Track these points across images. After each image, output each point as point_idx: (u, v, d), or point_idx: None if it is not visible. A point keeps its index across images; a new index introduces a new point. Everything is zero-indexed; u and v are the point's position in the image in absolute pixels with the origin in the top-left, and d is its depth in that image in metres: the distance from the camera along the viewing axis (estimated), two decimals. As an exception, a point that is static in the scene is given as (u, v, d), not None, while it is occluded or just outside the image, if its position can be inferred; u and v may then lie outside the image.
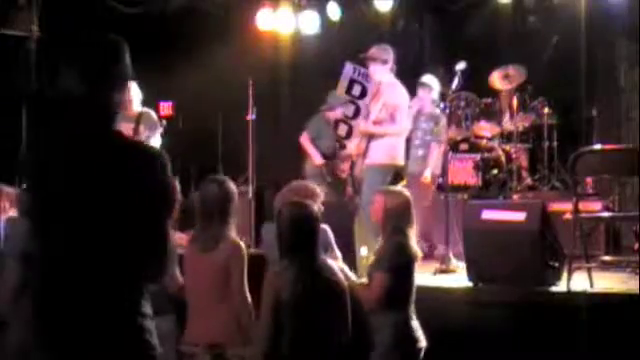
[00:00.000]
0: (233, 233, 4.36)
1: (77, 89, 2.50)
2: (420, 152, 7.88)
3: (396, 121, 6.85)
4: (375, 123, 6.88)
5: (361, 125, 6.92)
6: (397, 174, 7.76)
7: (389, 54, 7.04)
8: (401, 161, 6.99)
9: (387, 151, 6.81)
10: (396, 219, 4.48)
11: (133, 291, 2.49)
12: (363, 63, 10.23)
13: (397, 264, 4.38)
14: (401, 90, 6.96)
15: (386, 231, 4.52)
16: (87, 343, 2.44)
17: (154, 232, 2.46)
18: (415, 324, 4.41)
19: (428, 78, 8.09)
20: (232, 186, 4.43)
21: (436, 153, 7.80)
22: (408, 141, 7.98)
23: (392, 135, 6.85)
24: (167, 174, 2.48)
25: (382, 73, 7.00)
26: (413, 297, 4.45)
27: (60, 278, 2.46)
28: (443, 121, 7.79)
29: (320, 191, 4.93)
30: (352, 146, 7.18)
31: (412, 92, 9.18)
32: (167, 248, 2.50)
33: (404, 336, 4.36)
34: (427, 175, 7.69)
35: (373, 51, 7.05)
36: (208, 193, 4.35)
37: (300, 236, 3.97)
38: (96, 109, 2.50)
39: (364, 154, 6.92)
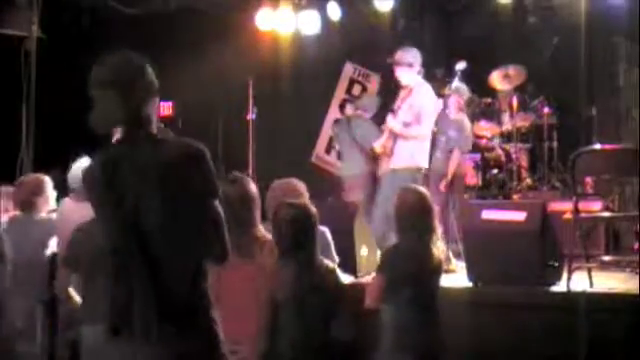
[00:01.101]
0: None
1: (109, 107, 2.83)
2: (442, 155, 7.72)
3: (422, 124, 6.78)
4: (403, 125, 6.79)
5: (389, 122, 6.82)
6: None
7: (414, 57, 6.95)
8: (425, 164, 6.86)
9: (412, 154, 6.69)
10: (413, 219, 4.35)
11: (198, 275, 2.73)
12: (363, 63, 10.27)
13: (396, 266, 4.27)
14: (429, 93, 6.90)
15: (399, 231, 4.40)
16: (162, 329, 2.64)
17: (210, 212, 2.75)
18: (420, 325, 4.26)
19: (458, 85, 8.00)
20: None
21: (456, 160, 7.68)
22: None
23: (417, 138, 6.74)
24: (207, 161, 2.78)
25: (409, 76, 6.91)
26: (425, 299, 4.30)
27: (136, 270, 2.66)
28: (468, 131, 7.78)
29: (305, 189, 4.90)
30: (377, 145, 7.09)
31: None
32: (225, 230, 2.79)
33: (407, 337, 4.31)
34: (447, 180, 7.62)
35: (398, 55, 6.97)
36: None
37: (299, 236, 3.97)
38: (136, 123, 2.80)
39: (389, 154, 6.90)
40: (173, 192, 2.70)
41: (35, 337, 5.27)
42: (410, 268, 4.27)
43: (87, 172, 2.86)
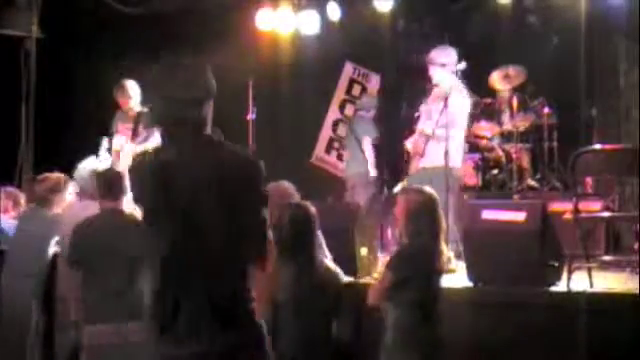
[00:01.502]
0: None
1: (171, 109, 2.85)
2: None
3: (456, 126, 6.79)
4: (437, 126, 6.80)
5: (423, 125, 6.82)
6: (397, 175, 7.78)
7: (448, 56, 6.94)
8: (458, 164, 6.95)
9: (444, 154, 6.68)
10: (419, 220, 4.34)
11: (245, 278, 2.81)
12: (363, 63, 10.27)
13: (406, 267, 4.26)
14: (464, 95, 6.88)
15: (409, 233, 4.37)
16: (209, 328, 2.73)
17: (259, 220, 2.84)
18: (422, 325, 4.28)
19: None
20: None
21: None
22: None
23: (452, 139, 6.75)
24: (261, 168, 2.87)
25: (442, 76, 6.89)
26: (429, 300, 4.31)
27: (187, 269, 2.74)
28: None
29: (295, 191, 4.89)
30: (408, 144, 7.11)
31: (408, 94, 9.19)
32: (267, 235, 2.89)
33: (409, 337, 4.30)
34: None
35: (432, 54, 6.98)
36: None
37: (299, 236, 3.97)
38: (192, 124, 2.84)
39: (421, 154, 6.86)
40: (229, 196, 2.76)
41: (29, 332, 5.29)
42: (419, 270, 4.29)
43: (137, 169, 2.88)
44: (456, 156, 6.85)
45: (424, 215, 4.34)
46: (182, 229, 2.74)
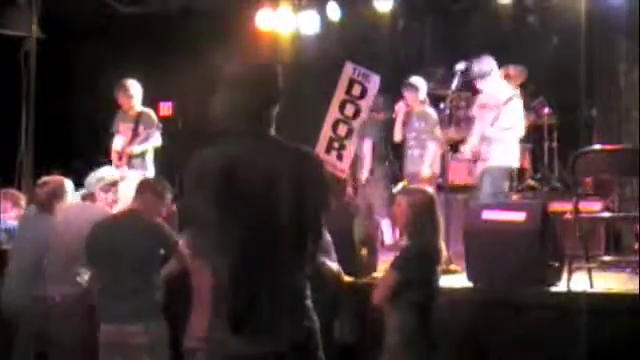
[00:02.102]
0: None
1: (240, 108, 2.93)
2: (416, 152, 7.93)
3: (518, 129, 7.16)
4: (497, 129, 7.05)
5: (487, 131, 7.03)
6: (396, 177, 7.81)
7: (489, 64, 7.15)
8: (516, 164, 7.29)
9: (504, 154, 7.04)
10: (421, 220, 4.38)
11: (304, 275, 2.88)
12: (363, 63, 10.26)
13: (410, 269, 4.29)
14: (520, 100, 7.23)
15: (410, 233, 4.42)
16: (281, 324, 2.78)
17: (319, 220, 2.92)
18: (423, 326, 4.31)
19: (415, 79, 8.15)
20: None
21: (433, 152, 7.87)
22: (403, 142, 8.03)
23: (512, 139, 7.10)
24: (325, 171, 3.00)
25: (492, 86, 7.16)
26: (429, 300, 4.35)
27: (259, 267, 2.77)
28: (433, 118, 7.87)
29: None
30: (467, 149, 7.28)
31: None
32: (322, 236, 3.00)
33: (411, 338, 4.30)
34: (425, 172, 7.73)
35: (475, 69, 7.16)
36: None
37: None
38: (259, 124, 2.91)
39: (483, 158, 7.05)
40: (296, 196, 2.82)
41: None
42: (423, 271, 4.33)
43: (200, 169, 2.86)
44: (513, 156, 7.14)
45: (426, 215, 4.38)
46: (257, 226, 2.78)
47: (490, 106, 7.12)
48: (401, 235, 4.58)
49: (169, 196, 4.95)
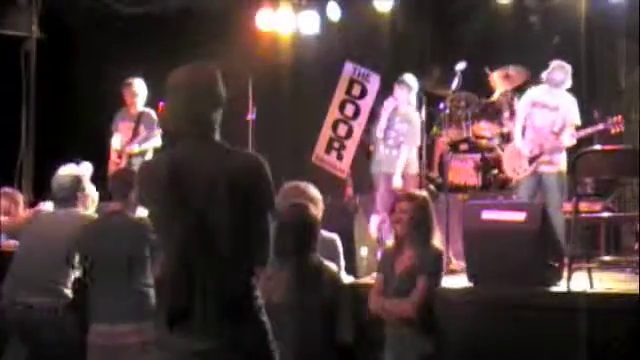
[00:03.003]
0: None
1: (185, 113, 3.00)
2: (394, 152, 7.78)
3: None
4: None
5: (566, 140, 7.21)
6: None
7: (567, 72, 7.27)
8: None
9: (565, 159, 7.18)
10: (426, 223, 4.45)
11: (251, 275, 2.96)
12: (363, 63, 10.26)
13: (439, 271, 4.42)
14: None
15: (418, 236, 4.44)
16: (219, 324, 2.85)
17: (264, 222, 2.99)
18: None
19: (408, 77, 7.98)
20: None
21: (404, 156, 7.69)
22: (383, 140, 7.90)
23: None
24: (267, 174, 3.01)
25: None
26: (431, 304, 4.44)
27: (199, 268, 2.83)
28: (417, 123, 7.69)
29: (313, 191, 4.83)
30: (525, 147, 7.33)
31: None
32: (270, 236, 3.04)
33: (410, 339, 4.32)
34: (397, 182, 7.60)
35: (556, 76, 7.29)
36: None
37: (297, 238, 3.95)
38: (202, 128, 2.99)
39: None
40: (238, 198, 2.89)
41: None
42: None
43: (148, 170, 3.03)
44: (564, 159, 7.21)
45: (430, 219, 4.45)
46: (197, 226, 2.84)
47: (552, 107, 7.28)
48: (398, 239, 4.53)
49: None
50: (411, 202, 4.49)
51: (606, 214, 7.23)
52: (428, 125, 9.05)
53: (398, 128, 7.81)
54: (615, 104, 8.90)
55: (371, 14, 9.48)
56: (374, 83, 9.46)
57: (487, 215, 5.80)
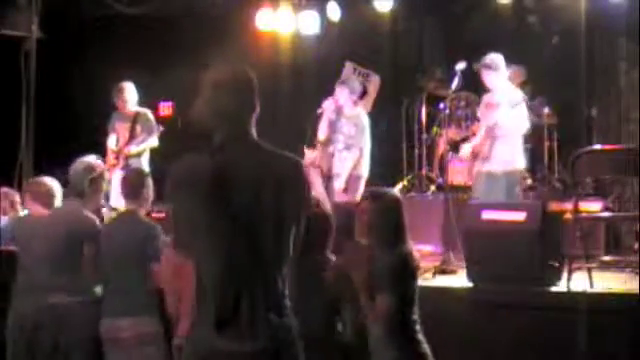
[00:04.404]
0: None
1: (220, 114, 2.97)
2: (344, 154, 7.77)
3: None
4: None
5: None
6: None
7: (500, 60, 7.16)
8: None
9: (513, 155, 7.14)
10: (388, 225, 4.06)
11: (284, 275, 2.93)
12: (363, 63, 10.27)
13: (403, 282, 3.99)
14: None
15: (384, 241, 4.05)
16: (265, 325, 2.84)
17: (300, 220, 2.97)
18: (420, 336, 4.10)
19: (348, 78, 7.98)
20: None
21: (352, 159, 7.67)
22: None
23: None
24: (308, 178, 3.06)
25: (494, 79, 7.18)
26: (416, 307, 4.12)
27: (245, 267, 2.83)
28: (364, 123, 7.66)
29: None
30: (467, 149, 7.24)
31: (408, 94, 9.14)
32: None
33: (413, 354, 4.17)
34: (339, 184, 7.58)
35: (486, 60, 7.13)
36: None
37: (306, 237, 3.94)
38: (244, 127, 2.99)
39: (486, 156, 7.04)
40: (282, 202, 2.88)
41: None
42: (401, 280, 4.03)
43: (188, 171, 2.90)
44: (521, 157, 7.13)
45: (396, 220, 4.08)
46: (243, 229, 2.83)
47: (494, 105, 7.03)
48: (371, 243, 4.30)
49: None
50: (373, 202, 4.14)
51: (606, 214, 7.23)
52: (428, 125, 9.07)
53: (345, 131, 7.75)
54: (615, 104, 8.92)
55: (371, 14, 9.49)
56: (374, 83, 9.48)
57: (487, 215, 5.80)
